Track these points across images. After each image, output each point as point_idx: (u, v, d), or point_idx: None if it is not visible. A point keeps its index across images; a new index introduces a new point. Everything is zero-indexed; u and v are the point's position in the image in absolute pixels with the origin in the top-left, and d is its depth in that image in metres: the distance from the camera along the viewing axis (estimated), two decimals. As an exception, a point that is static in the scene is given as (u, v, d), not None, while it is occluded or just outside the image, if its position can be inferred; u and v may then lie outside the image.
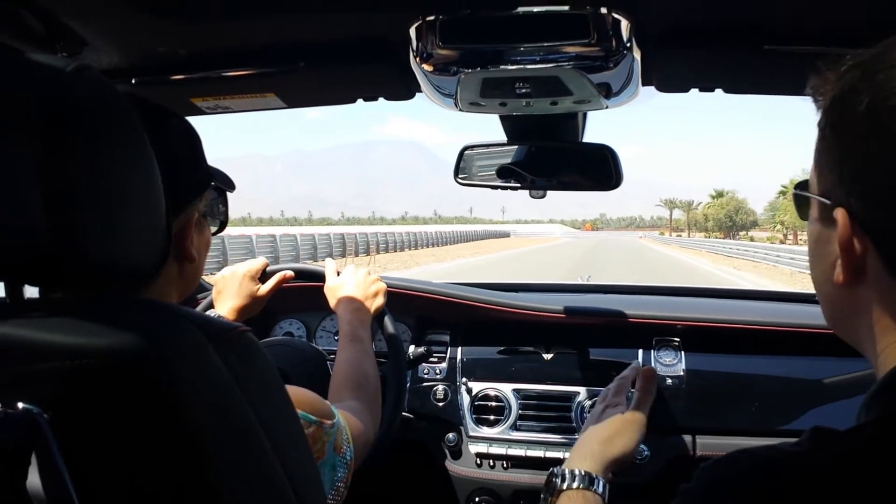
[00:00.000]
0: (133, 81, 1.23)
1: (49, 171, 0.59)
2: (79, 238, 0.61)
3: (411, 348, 1.81)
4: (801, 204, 0.66)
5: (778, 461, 0.51)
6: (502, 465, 1.85)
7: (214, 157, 0.84)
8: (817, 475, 0.48)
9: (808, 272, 0.66)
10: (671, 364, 1.87)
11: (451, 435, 1.89)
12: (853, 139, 0.54)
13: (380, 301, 1.48)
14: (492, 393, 1.90)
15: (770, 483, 0.49)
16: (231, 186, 1.03)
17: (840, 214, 0.55)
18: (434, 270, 24.44)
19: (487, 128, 1.53)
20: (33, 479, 0.58)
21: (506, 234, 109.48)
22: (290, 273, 1.55)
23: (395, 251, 40.73)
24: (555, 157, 1.56)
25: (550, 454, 1.79)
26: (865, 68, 0.54)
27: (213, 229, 0.97)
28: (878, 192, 0.53)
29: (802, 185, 0.65)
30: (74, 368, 0.59)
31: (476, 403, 1.90)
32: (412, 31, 1.05)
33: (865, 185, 0.54)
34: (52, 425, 0.59)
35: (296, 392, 0.87)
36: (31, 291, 0.72)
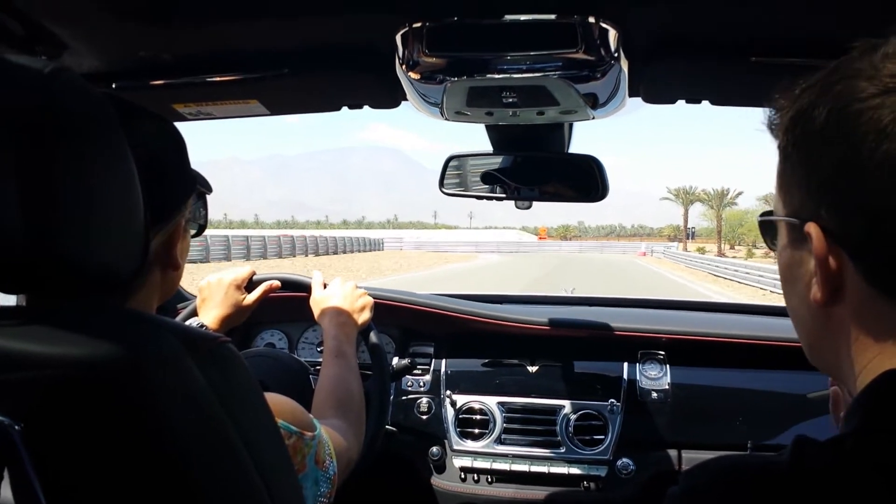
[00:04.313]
0: (114, 86, 1.21)
1: (25, 173, 0.58)
2: (55, 241, 0.60)
3: (395, 360, 1.79)
4: (769, 233, 0.65)
5: (758, 469, 0.51)
6: (487, 479, 1.83)
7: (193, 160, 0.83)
8: (796, 485, 0.48)
9: None
10: (656, 378, 1.87)
11: (434, 449, 1.87)
12: (817, 151, 0.53)
13: (366, 315, 1.46)
14: (476, 406, 1.88)
15: (749, 490, 0.49)
16: (210, 189, 1.02)
17: (813, 229, 0.54)
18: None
19: (467, 135, 1.48)
20: (5, 494, 0.56)
21: (377, 246, 69.79)
22: (277, 283, 1.53)
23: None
24: (541, 167, 1.56)
25: (535, 468, 1.78)
26: (822, 83, 0.54)
27: (192, 232, 0.96)
28: (848, 201, 0.52)
29: (767, 215, 0.64)
30: (48, 379, 0.57)
31: (460, 416, 1.89)
32: (398, 39, 1.04)
33: (835, 195, 0.53)
34: (24, 437, 0.57)
35: (276, 401, 0.86)
36: (9, 300, 0.70)
